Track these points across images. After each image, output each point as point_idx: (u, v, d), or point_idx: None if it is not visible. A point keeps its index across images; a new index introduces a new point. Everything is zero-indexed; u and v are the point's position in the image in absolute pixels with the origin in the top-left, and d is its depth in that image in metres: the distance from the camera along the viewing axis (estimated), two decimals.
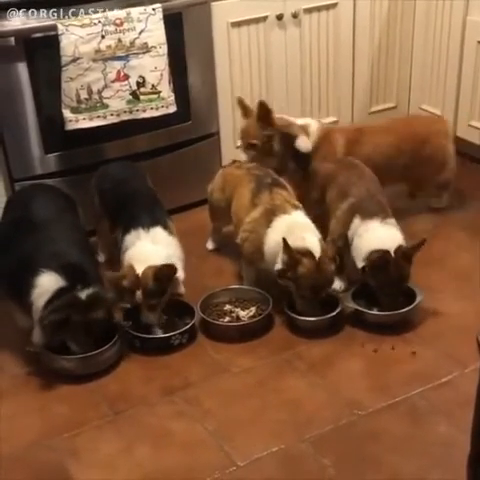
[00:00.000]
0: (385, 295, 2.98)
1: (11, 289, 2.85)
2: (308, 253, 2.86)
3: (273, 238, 2.95)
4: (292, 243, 2.86)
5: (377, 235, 2.99)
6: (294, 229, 2.93)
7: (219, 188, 3.38)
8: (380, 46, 4.21)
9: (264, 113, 3.45)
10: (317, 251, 2.87)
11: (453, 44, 3.97)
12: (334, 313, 2.96)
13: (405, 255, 2.95)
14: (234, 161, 3.51)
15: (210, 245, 3.55)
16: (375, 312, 2.98)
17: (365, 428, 2.52)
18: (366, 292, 3.03)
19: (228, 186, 3.31)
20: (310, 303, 2.93)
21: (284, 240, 2.86)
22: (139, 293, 2.85)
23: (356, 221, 3.06)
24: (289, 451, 2.44)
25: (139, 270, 2.85)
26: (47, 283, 2.73)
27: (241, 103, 3.55)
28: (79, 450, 2.50)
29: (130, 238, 2.99)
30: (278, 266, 2.93)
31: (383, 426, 2.52)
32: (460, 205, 3.81)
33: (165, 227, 3.06)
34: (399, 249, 2.94)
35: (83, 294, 2.72)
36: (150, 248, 2.94)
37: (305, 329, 2.97)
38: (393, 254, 2.92)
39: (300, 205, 3.10)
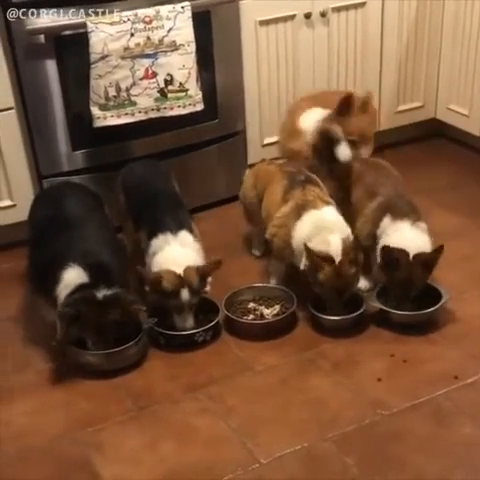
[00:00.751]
0: (394, 295, 2.98)
1: (41, 283, 2.89)
2: (329, 258, 2.86)
3: (301, 231, 2.95)
4: (315, 246, 2.87)
5: (404, 236, 2.97)
6: (321, 228, 2.92)
7: (251, 186, 3.37)
8: (408, 45, 4.19)
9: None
10: (338, 255, 2.86)
11: None
12: (358, 313, 2.96)
13: (425, 263, 2.93)
14: (263, 160, 3.50)
15: (256, 252, 3.50)
16: (399, 312, 2.97)
17: (389, 428, 2.52)
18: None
19: (260, 182, 3.30)
20: (333, 303, 2.94)
21: (305, 245, 2.87)
22: (185, 292, 2.86)
23: (386, 220, 3.05)
24: (312, 450, 2.45)
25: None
26: (71, 277, 2.76)
27: (353, 99, 3.41)
28: (103, 445, 2.53)
29: (158, 242, 3.00)
30: (302, 266, 2.94)
31: (407, 426, 2.52)
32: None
33: (190, 231, 3.08)
34: (419, 255, 2.91)
35: (101, 293, 2.74)
36: (181, 252, 2.95)
37: (329, 328, 2.97)
38: (411, 258, 2.90)
39: (332, 201, 3.09)
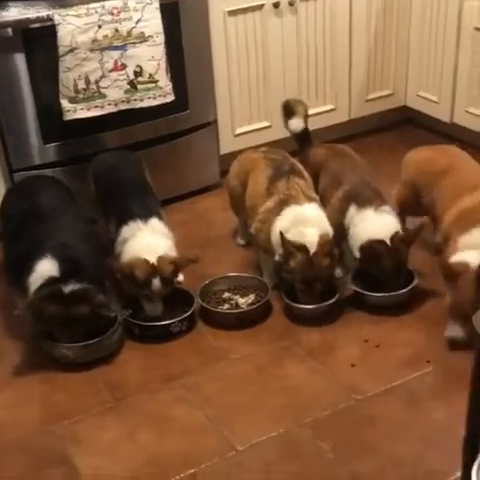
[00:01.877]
0: (386, 282, 3.01)
1: (16, 275, 2.88)
2: (303, 248, 2.88)
3: (279, 226, 2.96)
4: (291, 237, 2.89)
5: (372, 224, 3.01)
6: (299, 222, 2.93)
7: (235, 174, 3.37)
8: (376, 33, 4.21)
9: None
10: (313, 246, 2.88)
11: (450, 30, 3.97)
12: (331, 301, 2.98)
13: (404, 241, 2.98)
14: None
15: (240, 241, 3.50)
16: (374, 294, 3.00)
17: (363, 413, 2.55)
18: (365, 274, 3.05)
19: (243, 170, 3.29)
20: (306, 294, 2.95)
21: (281, 233, 2.88)
22: (157, 281, 2.86)
23: (352, 210, 3.08)
24: (288, 436, 2.47)
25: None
26: (43, 269, 2.76)
27: None
28: (81, 437, 2.53)
29: (128, 229, 3.01)
30: (276, 257, 2.95)
31: (381, 411, 2.55)
32: None
33: (160, 218, 3.08)
34: (395, 237, 2.96)
35: (69, 288, 2.73)
36: (153, 239, 2.96)
37: (302, 317, 2.99)
38: (389, 242, 2.94)
39: (316, 197, 3.10)
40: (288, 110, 3.54)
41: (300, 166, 3.23)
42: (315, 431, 2.48)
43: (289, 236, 2.89)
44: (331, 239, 2.95)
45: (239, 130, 4.03)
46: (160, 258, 2.89)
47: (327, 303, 2.97)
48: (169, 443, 2.48)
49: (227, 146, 4.01)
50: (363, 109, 4.34)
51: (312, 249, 2.88)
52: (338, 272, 3.14)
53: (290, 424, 2.51)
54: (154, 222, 3.04)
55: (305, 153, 3.49)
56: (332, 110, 4.24)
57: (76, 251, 2.83)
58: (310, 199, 3.04)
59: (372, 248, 2.94)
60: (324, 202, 3.20)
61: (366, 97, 4.33)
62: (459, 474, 2.17)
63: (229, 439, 2.47)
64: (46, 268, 2.75)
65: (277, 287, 3.10)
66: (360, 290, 3.02)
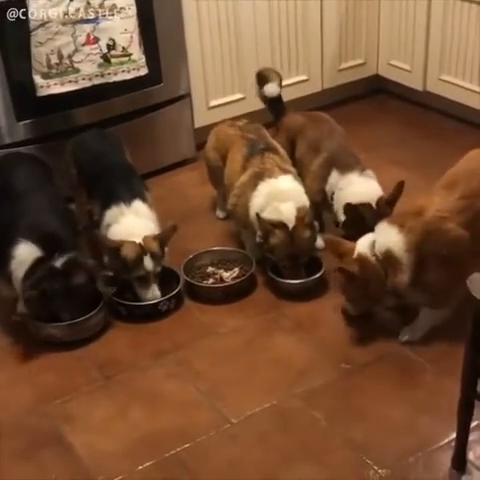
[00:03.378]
0: None
1: None
2: (281, 225, 2.87)
3: (256, 202, 2.95)
4: (267, 215, 2.88)
5: (358, 187, 3.03)
6: (274, 198, 2.91)
7: (212, 147, 3.35)
8: (347, 3, 4.19)
9: None
10: (291, 221, 2.87)
11: None
12: (317, 275, 2.97)
13: (388, 203, 3.00)
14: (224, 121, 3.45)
15: (220, 214, 3.49)
16: None
17: (353, 381, 2.58)
18: None
19: (222, 145, 3.27)
20: (292, 270, 2.95)
21: (257, 215, 2.88)
22: (148, 259, 2.84)
23: (334, 175, 3.09)
24: (281, 406, 2.49)
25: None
26: (24, 253, 2.73)
27: None
28: (73, 415, 2.52)
29: (112, 213, 2.98)
30: (257, 238, 2.94)
31: (371, 379, 2.58)
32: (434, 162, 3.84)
33: (144, 200, 3.05)
34: (381, 200, 2.99)
35: (59, 262, 2.72)
36: (136, 222, 2.94)
37: (289, 292, 2.98)
38: (375, 205, 2.96)
39: (292, 169, 3.08)
40: (262, 78, 3.52)
41: (276, 143, 3.21)
42: (307, 401, 2.50)
43: (265, 214, 2.88)
44: (309, 210, 2.94)
45: (213, 102, 4.00)
46: (145, 237, 2.87)
47: (314, 277, 2.97)
48: (162, 419, 2.49)
49: (201, 119, 3.98)
50: (336, 79, 4.33)
51: (290, 224, 2.87)
52: (321, 244, 3.14)
53: (282, 395, 2.53)
54: (137, 204, 3.01)
55: (280, 120, 3.48)
56: (305, 80, 4.23)
57: (51, 227, 2.80)
58: (285, 171, 3.03)
59: (358, 210, 2.95)
60: (302, 170, 3.20)
61: (338, 67, 4.33)
62: (453, 436, 2.22)
63: (223, 412, 2.48)
64: (27, 251, 2.72)
65: (261, 262, 3.08)
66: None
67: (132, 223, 2.94)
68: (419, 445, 2.30)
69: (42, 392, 2.61)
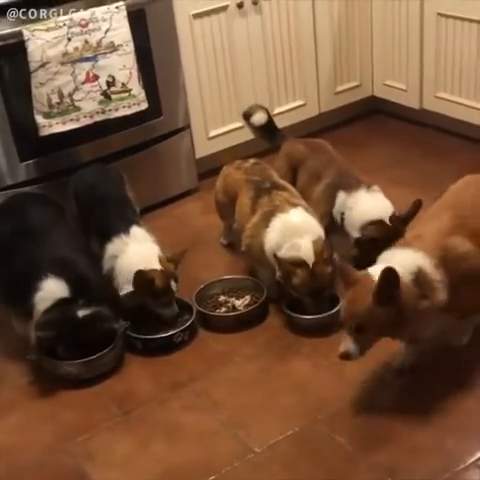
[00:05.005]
0: None
1: (11, 294, 2.84)
2: (301, 263, 2.84)
3: (271, 240, 2.93)
4: (285, 253, 2.86)
5: (368, 205, 3.06)
6: (289, 233, 2.89)
7: (221, 190, 3.37)
8: (340, 26, 4.23)
9: None
10: (311, 257, 2.84)
11: (413, 17, 4.02)
12: (334, 311, 2.89)
13: (402, 221, 3.01)
14: (232, 163, 3.43)
15: (223, 241, 3.52)
16: None
17: (374, 403, 2.57)
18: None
19: (230, 189, 3.29)
20: (314, 305, 2.91)
21: (274, 256, 2.87)
22: (173, 283, 2.91)
23: (341, 196, 3.12)
24: (304, 433, 2.48)
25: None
26: (51, 289, 2.73)
27: None
28: (94, 453, 2.51)
29: (114, 246, 3.00)
30: (277, 277, 2.92)
31: (392, 400, 2.58)
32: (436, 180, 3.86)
33: (139, 225, 3.09)
34: (394, 216, 3.00)
35: (82, 312, 2.72)
36: (143, 248, 2.97)
37: (307, 328, 2.93)
38: (388, 221, 2.98)
39: (301, 202, 3.08)
40: (247, 115, 3.64)
41: (282, 181, 3.21)
42: (330, 426, 2.49)
43: (283, 252, 2.86)
44: (326, 243, 2.91)
45: (213, 133, 4.03)
46: (161, 262, 2.92)
47: (332, 312, 2.90)
48: (184, 451, 2.47)
49: (202, 149, 4.02)
50: (332, 102, 4.37)
51: (310, 260, 2.84)
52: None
53: (304, 421, 2.52)
54: (135, 230, 3.04)
55: (276, 144, 3.56)
56: (302, 105, 4.26)
57: (80, 268, 2.81)
58: (295, 205, 3.02)
59: (372, 229, 2.97)
60: (305, 198, 3.20)
61: (334, 90, 4.36)
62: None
63: (245, 441, 2.47)
64: (54, 288, 2.72)
65: (279, 300, 3.06)
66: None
67: (139, 251, 2.96)
68: (446, 466, 2.29)
69: (62, 430, 2.61)
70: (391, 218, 3.00)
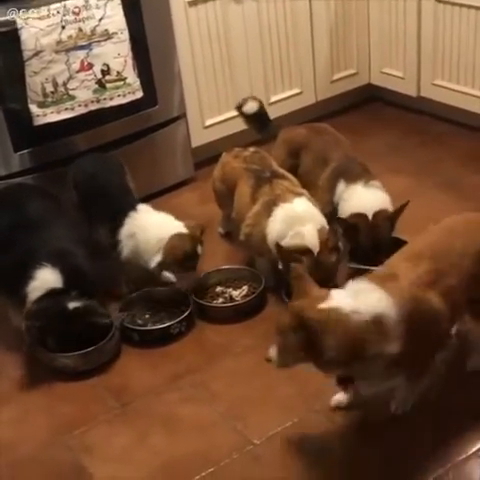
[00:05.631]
0: (365, 255, 2.99)
1: (7, 284, 2.81)
2: (306, 251, 2.80)
3: (274, 229, 2.91)
4: (289, 241, 2.83)
5: (360, 198, 3.03)
6: (293, 222, 2.87)
7: (219, 179, 3.34)
8: (336, 13, 4.20)
9: None
10: (316, 246, 2.81)
11: (410, 4, 3.98)
12: None
13: (388, 219, 2.98)
14: (231, 150, 3.39)
15: (221, 230, 3.50)
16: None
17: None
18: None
19: (228, 178, 3.25)
20: None
21: (277, 245, 2.83)
22: (200, 247, 2.96)
23: (341, 186, 3.10)
24: (303, 424, 2.46)
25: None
26: (45, 278, 2.70)
27: None
28: (92, 446, 2.49)
29: (128, 227, 3.00)
30: (280, 266, 2.89)
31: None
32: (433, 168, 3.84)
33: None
34: (379, 213, 2.97)
35: (73, 304, 2.69)
36: (161, 218, 3.03)
37: None
38: (371, 218, 2.95)
39: (303, 191, 3.05)
40: (239, 106, 3.62)
41: (282, 171, 3.18)
42: (328, 417, 2.47)
43: (287, 240, 2.83)
44: (331, 232, 2.89)
45: (209, 121, 4.00)
46: (187, 225, 2.98)
47: None
48: (183, 443, 2.46)
49: (198, 139, 3.98)
50: (329, 90, 4.34)
51: (315, 249, 2.81)
52: None
53: (303, 412, 2.50)
54: (142, 207, 3.08)
55: (268, 134, 3.54)
56: (299, 94, 4.23)
57: (76, 259, 2.78)
58: (298, 194, 3.00)
59: (350, 222, 2.96)
60: (308, 183, 3.19)
61: (331, 78, 4.33)
62: None
63: (244, 433, 2.45)
64: (48, 278, 2.69)
65: (276, 289, 3.05)
66: (363, 266, 2.97)
67: (157, 221, 3.00)
68: (447, 456, 2.27)
69: (59, 423, 2.58)
70: (375, 215, 2.97)
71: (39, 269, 2.70)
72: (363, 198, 3.04)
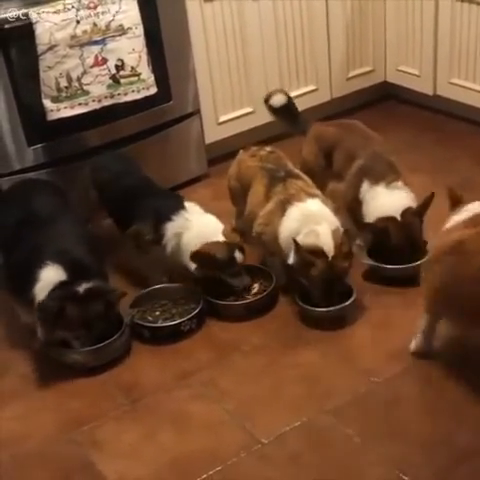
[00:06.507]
0: (403, 256, 2.99)
1: (16, 284, 2.82)
2: (320, 253, 2.79)
3: (287, 227, 2.89)
4: (304, 239, 2.81)
5: (383, 201, 3.02)
6: (308, 220, 2.85)
7: (234, 177, 3.32)
8: (353, 11, 4.17)
9: None
10: (330, 248, 2.79)
11: (427, 1, 3.95)
12: (350, 301, 2.87)
13: (416, 214, 2.98)
14: (247, 148, 3.37)
15: (233, 223, 3.46)
16: (392, 266, 2.99)
17: (384, 395, 2.53)
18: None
19: (243, 177, 3.24)
20: (326, 296, 2.86)
21: (294, 241, 2.80)
22: (238, 253, 2.95)
23: (365, 186, 3.10)
24: (312, 424, 2.45)
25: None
26: (49, 276, 2.71)
27: None
28: (101, 442, 2.49)
29: (176, 224, 2.99)
30: (291, 262, 2.87)
31: (401, 392, 2.54)
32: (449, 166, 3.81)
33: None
34: (406, 211, 2.97)
35: (82, 288, 2.70)
36: (206, 222, 3.02)
37: (321, 320, 2.87)
38: (400, 217, 2.94)
39: (318, 193, 3.03)
40: (267, 98, 3.58)
41: (297, 171, 3.16)
42: (338, 417, 2.46)
43: (301, 238, 2.81)
44: (346, 235, 2.87)
45: (223, 118, 3.99)
46: (224, 232, 2.96)
47: (346, 303, 2.86)
48: (192, 441, 2.45)
49: (212, 135, 3.97)
50: (344, 88, 4.32)
51: (330, 252, 2.79)
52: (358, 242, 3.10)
53: (312, 412, 2.49)
54: (190, 206, 3.06)
55: (300, 129, 3.51)
56: (314, 90, 4.21)
57: (77, 253, 2.79)
58: (312, 195, 2.99)
59: (379, 227, 2.95)
60: (340, 179, 3.22)
61: (347, 75, 4.31)
62: None
63: (252, 432, 2.44)
64: (52, 274, 2.70)
65: (287, 288, 3.04)
66: (377, 263, 3.02)
67: (202, 225, 2.99)
68: (457, 458, 2.26)
69: (68, 419, 2.59)
70: (403, 213, 2.96)
71: (43, 269, 2.71)
72: (386, 201, 3.04)
